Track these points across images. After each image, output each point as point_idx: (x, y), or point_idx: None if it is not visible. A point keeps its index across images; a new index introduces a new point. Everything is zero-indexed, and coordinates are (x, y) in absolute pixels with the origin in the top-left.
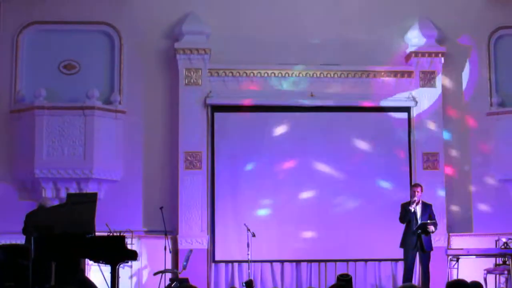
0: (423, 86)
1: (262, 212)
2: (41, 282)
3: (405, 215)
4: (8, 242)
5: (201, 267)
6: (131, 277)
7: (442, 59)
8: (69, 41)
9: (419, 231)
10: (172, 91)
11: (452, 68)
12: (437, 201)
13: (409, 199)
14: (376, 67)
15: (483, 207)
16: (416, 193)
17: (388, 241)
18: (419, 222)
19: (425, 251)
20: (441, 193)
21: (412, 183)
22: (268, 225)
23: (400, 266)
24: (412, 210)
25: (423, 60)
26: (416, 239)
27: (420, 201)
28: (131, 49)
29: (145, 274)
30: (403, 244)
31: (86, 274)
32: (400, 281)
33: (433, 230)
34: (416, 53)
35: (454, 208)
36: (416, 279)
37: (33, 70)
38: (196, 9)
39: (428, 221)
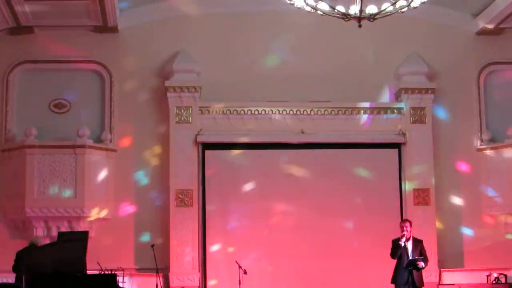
0: (413, 122)
1: (254, 249)
2: None
3: (396, 250)
4: None
5: None
6: None
7: (432, 95)
8: (59, 79)
9: (410, 267)
10: (162, 129)
11: (442, 104)
12: (428, 236)
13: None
14: (367, 104)
15: (474, 242)
16: (405, 228)
17: (380, 277)
18: (410, 258)
19: (417, 287)
20: (432, 228)
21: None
22: (259, 262)
23: None
24: (403, 244)
25: (413, 96)
26: (407, 275)
27: (411, 237)
28: (121, 87)
29: None
30: (394, 280)
31: None
32: None
33: (423, 266)
34: (406, 90)
35: (446, 243)
36: None
37: (24, 109)
38: (187, 48)
39: (417, 257)
